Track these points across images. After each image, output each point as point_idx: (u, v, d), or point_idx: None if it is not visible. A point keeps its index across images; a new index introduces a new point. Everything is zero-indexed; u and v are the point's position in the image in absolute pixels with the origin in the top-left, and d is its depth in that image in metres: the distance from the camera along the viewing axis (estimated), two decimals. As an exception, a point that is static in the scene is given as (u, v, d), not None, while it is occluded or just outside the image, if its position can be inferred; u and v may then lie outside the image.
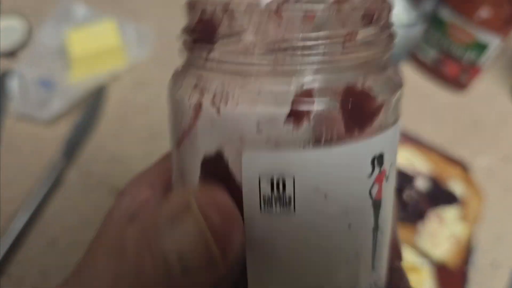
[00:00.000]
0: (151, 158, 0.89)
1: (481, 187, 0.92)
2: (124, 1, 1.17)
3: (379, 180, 0.24)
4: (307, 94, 0.21)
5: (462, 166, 0.92)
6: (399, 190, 0.85)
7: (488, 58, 0.94)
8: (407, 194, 0.86)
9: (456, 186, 0.88)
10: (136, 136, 0.96)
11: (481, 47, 0.93)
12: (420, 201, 0.86)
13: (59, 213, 0.86)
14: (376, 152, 0.23)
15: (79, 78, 0.98)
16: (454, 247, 0.83)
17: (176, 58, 0.34)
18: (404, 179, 0.87)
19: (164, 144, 0.91)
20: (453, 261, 0.81)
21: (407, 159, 0.90)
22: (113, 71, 1.01)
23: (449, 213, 0.86)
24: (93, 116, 0.96)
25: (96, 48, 0.98)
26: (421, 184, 0.88)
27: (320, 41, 0.21)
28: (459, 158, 0.96)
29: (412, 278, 0.82)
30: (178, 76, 0.27)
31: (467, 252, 0.84)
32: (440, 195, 0.86)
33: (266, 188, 0.21)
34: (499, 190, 0.95)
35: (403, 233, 0.84)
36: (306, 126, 0.21)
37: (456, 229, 0.83)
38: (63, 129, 0.94)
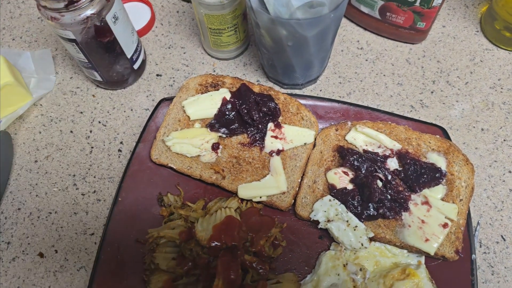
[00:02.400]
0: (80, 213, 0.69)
1: (467, 155, 0.76)
2: (8, 30, 0.98)
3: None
4: None
5: (440, 131, 0.75)
6: (368, 181, 0.69)
7: (443, -8, 0.77)
8: (379, 180, 0.70)
9: (438, 158, 0.71)
10: (56, 182, 0.79)
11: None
12: (398, 187, 0.69)
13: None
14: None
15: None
16: (452, 233, 0.67)
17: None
18: (373, 162, 0.71)
19: (88, 186, 0.73)
20: (454, 251, 0.66)
21: (372, 138, 0.73)
22: (15, 112, 0.83)
23: (436, 193, 0.70)
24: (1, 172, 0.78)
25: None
26: (394, 164, 0.72)
27: None
28: (435, 123, 0.80)
29: (408, 285, 0.67)
30: None
31: (468, 235, 0.68)
32: (420, 173, 0.70)
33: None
34: (487, 145, 0.79)
35: (385, 231, 0.68)
36: None
37: (448, 211, 0.68)
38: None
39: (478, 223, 0.72)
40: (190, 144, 0.74)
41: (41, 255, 0.75)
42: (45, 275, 0.73)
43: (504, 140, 0.79)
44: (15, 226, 0.77)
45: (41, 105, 0.87)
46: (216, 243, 0.66)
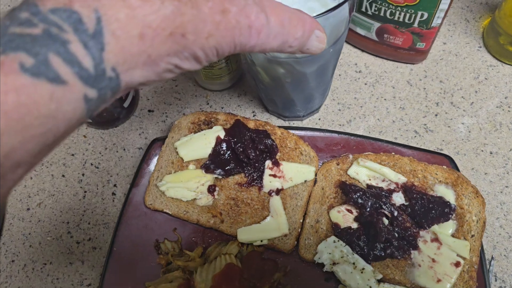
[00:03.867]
0: None
1: (476, 181, 0.72)
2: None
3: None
4: None
5: (447, 160, 0.72)
6: (374, 216, 0.65)
7: (443, 10, 0.72)
8: (385, 218, 0.66)
9: (446, 191, 0.68)
10: (50, 231, 0.76)
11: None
12: (405, 223, 0.66)
13: None
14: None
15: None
16: (465, 272, 0.63)
17: None
18: (377, 198, 0.67)
19: (82, 233, 0.69)
20: (468, 291, 0.62)
21: (375, 172, 0.70)
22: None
23: (446, 229, 0.66)
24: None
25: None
26: (400, 199, 0.68)
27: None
28: (441, 147, 0.76)
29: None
30: None
31: (482, 272, 0.64)
32: (428, 208, 0.66)
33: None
34: (497, 170, 0.75)
35: (394, 272, 0.64)
36: None
37: (460, 248, 0.64)
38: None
39: (492, 258, 0.69)
40: (185, 187, 0.70)
41: (37, 309, 0.72)
42: (42, 331, 0.71)
43: (515, 163, 0.75)
44: (9, 280, 0.74)
45: (31, 148, 0.84)
46: (217, 295, 0.63)
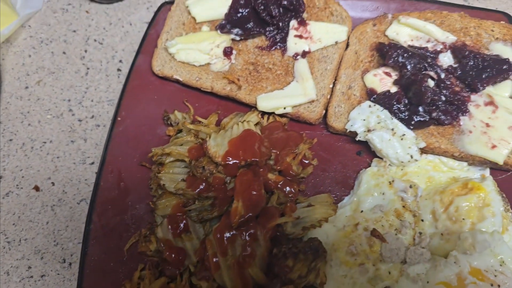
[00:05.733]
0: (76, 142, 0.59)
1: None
2: None
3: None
4: None
5: (506, 18, 0.61)
6: (417, 79, 0.56)
7: None
8: (430, 79, 0.56)
9: (504, 49, 0.57)
10: (50, 109, 0.69)
11: None
12: (453, 87, 0.56)
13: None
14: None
15: None
16: (524, 138, 0.54)
17: None
18: (421, 59, 0.57)
19: (85, 111, 0.63)
20: (528, 159, 0.53)
21: (418, 31, 0.59)
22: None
23: (503, 90, 0.56)
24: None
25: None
26: (447, 59, 0.58)
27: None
28: (497, 8, 0.65)
29: (472, 200, 0.54)
30: None
31: (544, 140, 0.55)
32: (482, 67, 0.56)
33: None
34: None
35: (440, 140, 0.55)
36: None
37: (520, 111, 0.54)
38: None
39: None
40: (197, 49, 0.62)
41: (36, 188, 0.66)
42: (42, 210, 0.65)
43: None
44: (7, 159, 0.68)
45: (29, 26, 0.77)
46: (233, 160, 0.55)
